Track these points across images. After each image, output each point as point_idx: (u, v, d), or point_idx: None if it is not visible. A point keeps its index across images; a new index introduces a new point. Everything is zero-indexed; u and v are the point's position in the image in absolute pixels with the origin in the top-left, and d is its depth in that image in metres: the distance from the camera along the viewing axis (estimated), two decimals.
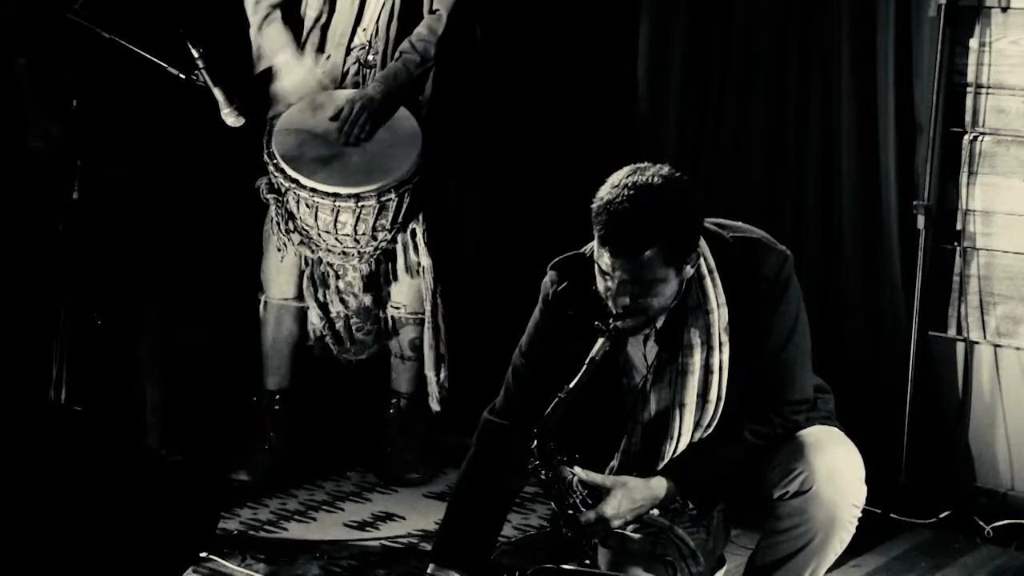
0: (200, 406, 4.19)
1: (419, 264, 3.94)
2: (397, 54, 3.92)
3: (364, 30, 3.94)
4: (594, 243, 2.82)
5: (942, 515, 3.94)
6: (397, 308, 4.01)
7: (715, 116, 4.25)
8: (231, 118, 3.74)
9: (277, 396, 4.10)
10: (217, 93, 3.70)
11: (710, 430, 2.91)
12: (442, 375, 4.04)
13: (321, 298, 3.98)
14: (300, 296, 4.02)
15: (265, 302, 4.05)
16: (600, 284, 2.81)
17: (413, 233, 3.92)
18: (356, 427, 4.30)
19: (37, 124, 3.99)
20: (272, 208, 3.91)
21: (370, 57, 3.93)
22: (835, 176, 4.09)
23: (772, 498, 2.89)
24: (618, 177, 2.79)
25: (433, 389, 4.05)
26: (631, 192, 2.74)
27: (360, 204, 3.77)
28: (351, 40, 3.95)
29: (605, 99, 4.43)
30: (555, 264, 2.98)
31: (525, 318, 3.06)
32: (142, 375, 4.07)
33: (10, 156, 3.98)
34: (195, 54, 3.65)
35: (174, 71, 3.66)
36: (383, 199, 3.78)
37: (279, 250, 3.94)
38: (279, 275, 4.00)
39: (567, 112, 4.47)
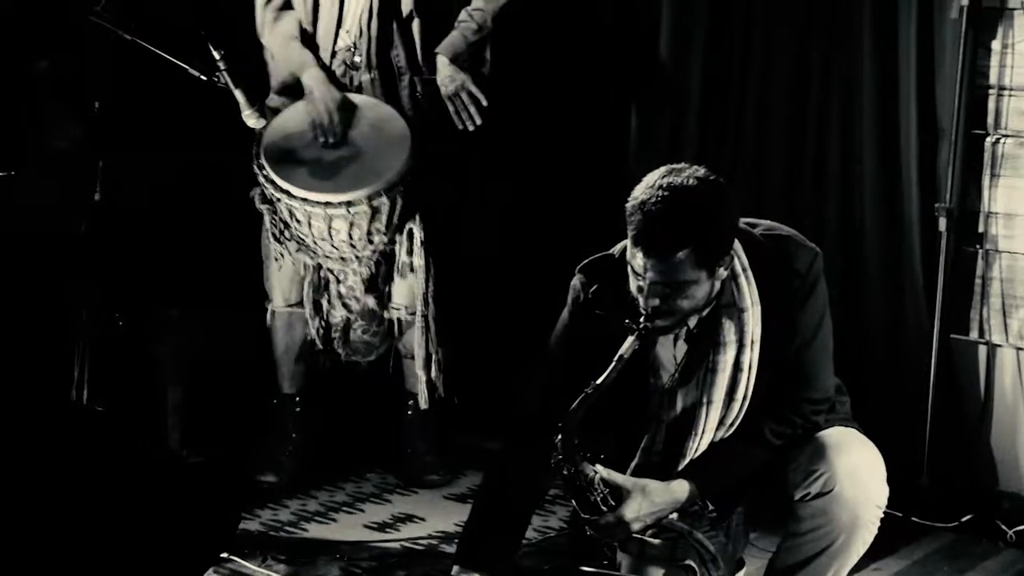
0: (221, 407, 4.21)
1: (411, 265, 3.96)
2: (456, 24, 3.94)
3: (347, 32, 3.94)
4: (625, 243, 2.85)
5: (964, 519, 3.94)
6: (398, 309, 4.03)
7: (735, 119, 4.26)
8: (252, 119, 3.78)
9: (297, 399, 4.13)
10: (238, 94, 3.75)
11: (732, 429, 2.93)
12: (433, 374, 4.05)
13: (323, 304, 3.99)
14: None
15: (272, 311, 4.07)
16: (632, 284, 2.84)
17: (410, 234, 3.93)
18: (376, 429, 4.32)
19: (59, 125, 4.03)
20: (267, 218, 3.91)
21: (356, 59, 3.95)
22: (856, 178, 4.10)
23: (793, 499, 2.90)
24: (653, 177, 2.81)
25: (422, 388, 4.06)
26: (666, 193, 2.76)
27: (352, 210, 3.77)
28: (335, 43, 3.95)
29: (624, 100, 4.44)
30: (583, 266, 3.00)
31: (544, 319, 3.09)
32: (163, 376, 4.09)
33: (32, 157, 4.02)
34: (216, 56, 3.70)
35: (195, 72, 3.69)
36: (374, 203, 3.78)
37: (276, 259, 3.95)
38: (281, 283, 4.02)
39: (586, 113, 4.49)
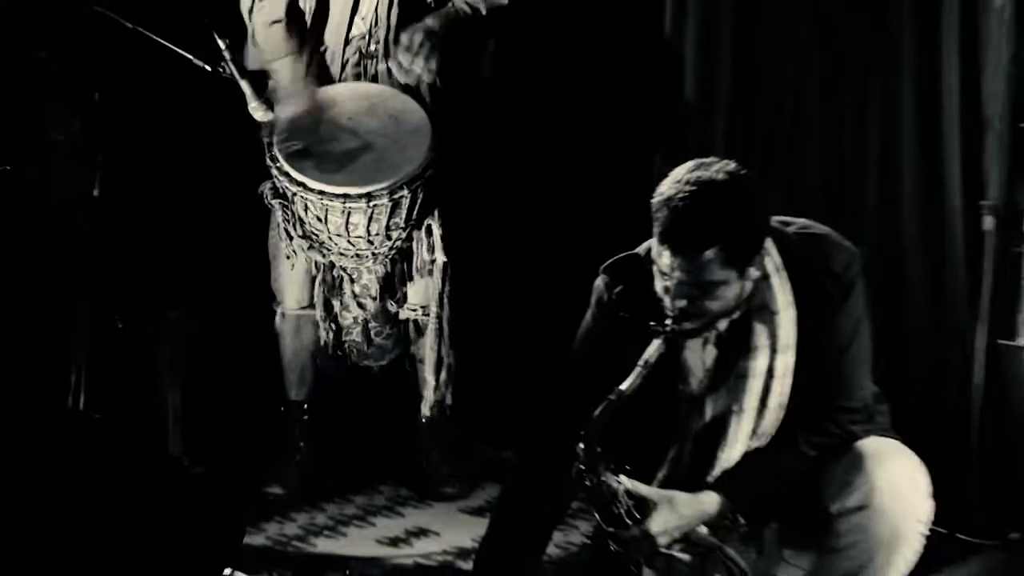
0: (225, 414, 4.22)
1: (430, 262, 3.96)
2: (450, 3, 3.94)
3: (363, 19, 3.94)
4: (651, 241, 2.85)
5: (1013, 536, 3.92)
6: (414, 310, 4.03)
7: (767, 111, 4.24)
8: (259, 112, 3.78)
9: (305, 406, 4.14)
10: (244, 86, 3.74)
11: (765, 439, 2.93)
12: (442, 379, 4.05)
13: (336, 304, 3.99)
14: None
15: (282, 313, 4.07)
16: (658, 284, 2.84)
17: (428, 230, 3.93)
18: (389, 438, 4.32)
19: (58, 118, 4.03)
20: (279, 214, 3.91)
21: (371, 47, 3.95)
22: (896, 175, 4.06)
23: (829, 513, 2.89)
24: (680, 172, 2.82)
25: (428, 394, 4.07)
26: (693, 188, 2.76)
27: (372, 203, 3.76)
28: (349, 29, 3.96)
29: (650, 94, 4.43)
30: (607, 266, 3.02)
31: (565, 321, 3.10)
32: (163, 381, 4.09)
33: (30, 151, 4.02)
34: (221, 45, 3.69)
35: (199, 63, 3.69)
36: (395, 196, 3.78)
37: (288, 257, 3.95)
38: (293, 284, 4.02)
39: (610, 108, 4.49)
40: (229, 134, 3.96)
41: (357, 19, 3.96)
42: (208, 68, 3.69)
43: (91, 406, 3.67)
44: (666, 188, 2.80)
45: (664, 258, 2.79)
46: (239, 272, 4.18)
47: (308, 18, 3.96)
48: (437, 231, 3.94)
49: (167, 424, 4.07)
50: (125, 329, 4.02)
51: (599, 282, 3.02)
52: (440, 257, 3.96)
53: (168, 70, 3.77)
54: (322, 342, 4.03)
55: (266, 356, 4.12)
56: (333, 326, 4.01)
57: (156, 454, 3.71)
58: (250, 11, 3.94)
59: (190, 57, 3.69)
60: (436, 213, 3.93)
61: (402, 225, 3.86)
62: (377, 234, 3.85)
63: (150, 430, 4.02)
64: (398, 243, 3.91)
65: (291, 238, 3.90)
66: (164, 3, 3.90)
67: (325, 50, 3.98)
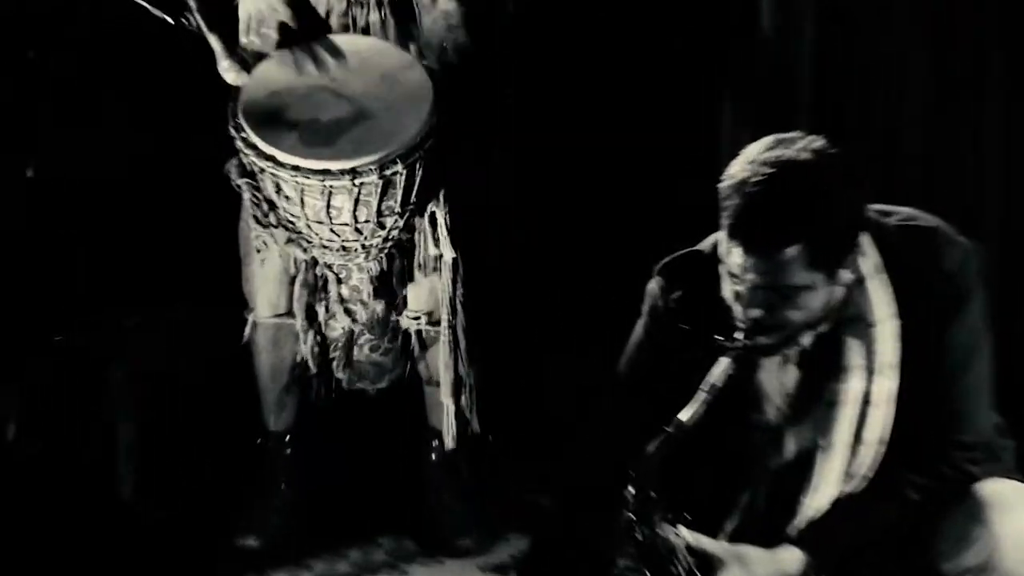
0: (189, 445, 4.21)
1: (436, 259, 3.94)
2: None
3: None
4: (718, 236, 2.82)
5: None
6: (417, 318, 4.01)
7: (861, 75, 4.23)
8: (231, 73, 3.77)
9: (286, 438, 4.12)
10: (213, 41, 3.75)
11: (860, 481, 2.90)
12: (463, 403, 4.04)
13: (320, 311, 3.98)
14: None
15: (255, 322, 4.06)
16: (727, 289, 2.82)
17: (433, 218, 3.92)
18: (390, 477, 4.30)
19: None
20: (246, 197, 3.90)
21: None
22: (1021, 157, 4.08)
23: (941, 574, 2.89)
24: (755, 150, 2.78)
25: (449, 421, 4.05)
26: (771, 170, 2.73)
27: (358, 181, 3.72)
28: None
29: (712, 45, 4.43)
30: (663, 267, 3.01)
31: (606, 336, 3.13)
32: (115, 407, 4.10)
33: None
34: None
35: (160, 13, 3.67)
36: (387, 172, 3.72)
37: (259, 251, 3.94)
38: (266, 285, 4.01)
39: (662, 65, 4.50)
40: (195, 102, 3.96)
41: None
42: (170, 20, 3.68)
43: (26, 439, 3.66)
44: (738, 169, 2.77)
45: (735, 257, 2.77)
46: (210, 272, 4.17)
47: None
48: (444, 219, 3.91)
49: (117, 460, 4.08)
50: (66, 342, 4.01)
51: (653, 285, 3.02)
52: (449, 252, 3.93)
53: (121, 22, 3.74)
54: (298, 358, 4.01)
55: (242, 375, 4.11)
56: (318, 339, 3.99)
57: (105, 496, 3.70)
58: None
59: (148, 6, 3.66)
60: (442, 196, 3.90)
61: (397, 210, 3.83)
62: (366, 221, 3.81)
63: (96, 467, 4.04)
64: (394, 233, 3.87)
65: (263, 227, 3.88)
66: None
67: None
